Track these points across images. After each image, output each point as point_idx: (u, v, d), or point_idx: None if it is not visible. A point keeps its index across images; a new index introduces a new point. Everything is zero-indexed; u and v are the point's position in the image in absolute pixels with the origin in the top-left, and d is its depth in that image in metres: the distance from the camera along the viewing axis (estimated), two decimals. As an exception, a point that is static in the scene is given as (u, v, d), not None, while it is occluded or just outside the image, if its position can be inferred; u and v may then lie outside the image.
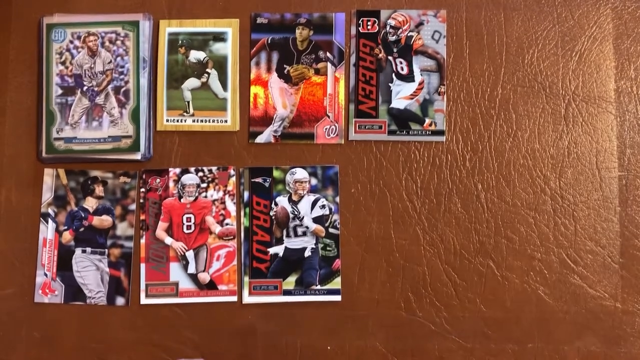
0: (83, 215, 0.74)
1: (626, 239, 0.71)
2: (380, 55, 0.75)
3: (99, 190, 0.74)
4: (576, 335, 0.70)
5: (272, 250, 0.73)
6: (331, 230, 0.73)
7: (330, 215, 0.73)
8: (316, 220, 0.73)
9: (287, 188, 0.74)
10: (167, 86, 0.75)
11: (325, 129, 0.74)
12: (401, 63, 0.75)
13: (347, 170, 0.73)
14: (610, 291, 0.71)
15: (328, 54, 0.75)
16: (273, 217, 0.73)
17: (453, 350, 0.71)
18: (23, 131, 0.75)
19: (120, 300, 0.73)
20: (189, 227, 0.74)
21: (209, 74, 0.75)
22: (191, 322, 0.72)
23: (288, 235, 0.73)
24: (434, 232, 0.72)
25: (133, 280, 0.73)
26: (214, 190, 0.74)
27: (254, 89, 0.75)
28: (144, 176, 0.74)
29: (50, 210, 0.74)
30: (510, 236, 0.72)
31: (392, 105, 0.74)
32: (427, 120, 0.74)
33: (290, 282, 0.72)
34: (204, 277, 0.73)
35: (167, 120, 0.75)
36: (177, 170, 0.74)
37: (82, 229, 0.74)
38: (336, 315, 0.72)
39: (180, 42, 0.75)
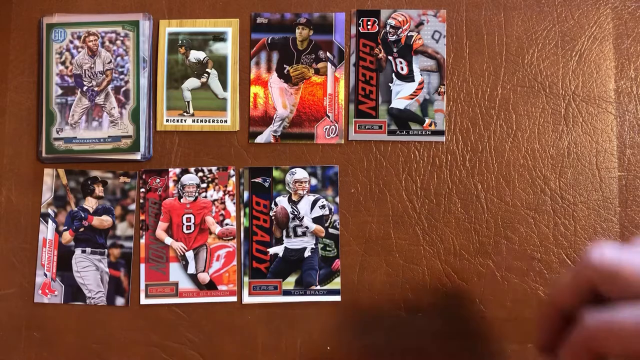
0: (83, 216, 0.74)
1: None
2: (380, 55, 0.75)
3: (98, 190, 0.74)
4: (576, 336, 0.70)
5: (271, 251, 0.73)
6: (331, 230, 0.73)
7: (330, 216, 0.73)
8: (316, 220, 0.73)
9: (287, 188, 0.74)
10: (167, 86, 0.75)
11: (325, 129, 0.74)
12: (401, 63, 0.75)
13: (347, 170, 0.73)
14: (610, 291, 0.71)
15: (328, 54, 0.75)
16: (273, 218, 0.73)
17: (453, 350, 0.71)
18: (23, 131, 0.75)
19: (120, 301, 0.73)
20: (188, 227, 0.74)
21: (209, 74, 0.75)
22: (191, 322, 0.72)
23: (288, 236, 0.73)
24: (434, 232, 0.72)
25: (133, 280, 0.73)
26: (214, 190, 0.74)
27: (253, 89, 0.75)
28: (143, 176, 0.74)
29: (50, 211, 0.74)
30: (510, 236, 0.72)
31: (392, 105, 0.74)
32: (427, 120, 0.74)
33: (290, 282, 0.72)
34: (204, 277, 0.73)
35: (167, 120, 0.75)
36: (177, 170, 0.74)
37: (82, 229, 0.74)
38: (336, 315, 0.72)
39: (180, 42, 0.75)
